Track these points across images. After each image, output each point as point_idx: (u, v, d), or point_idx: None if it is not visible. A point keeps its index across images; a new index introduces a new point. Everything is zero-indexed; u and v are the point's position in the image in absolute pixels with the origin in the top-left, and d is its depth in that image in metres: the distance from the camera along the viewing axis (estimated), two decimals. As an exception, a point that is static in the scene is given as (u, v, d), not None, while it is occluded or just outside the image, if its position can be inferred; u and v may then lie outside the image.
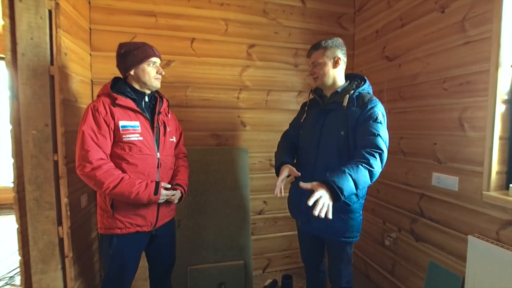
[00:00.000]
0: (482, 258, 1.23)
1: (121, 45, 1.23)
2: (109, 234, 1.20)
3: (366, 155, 1.10)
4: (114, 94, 1.17)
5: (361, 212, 1.30)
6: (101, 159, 1.12)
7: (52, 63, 1.26)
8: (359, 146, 1.17)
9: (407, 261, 1.73)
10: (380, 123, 1.17)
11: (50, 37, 1.25)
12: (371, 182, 1.10)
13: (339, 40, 1.31)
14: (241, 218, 1.88)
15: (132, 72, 1.20)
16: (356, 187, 1.05)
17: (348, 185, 1.02)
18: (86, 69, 1.63)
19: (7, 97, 1.22)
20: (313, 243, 1.47)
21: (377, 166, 1.10)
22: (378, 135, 1.14)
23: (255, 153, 2.06)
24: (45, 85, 1.24)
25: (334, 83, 1.31)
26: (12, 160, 1.23)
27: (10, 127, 1.22)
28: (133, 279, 1.31)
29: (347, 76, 1.37)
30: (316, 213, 0.95)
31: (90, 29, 1.67)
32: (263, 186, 2.10)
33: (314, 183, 1.04)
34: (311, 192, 1.22)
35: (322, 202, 0.96)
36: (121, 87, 1.21)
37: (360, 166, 1.07)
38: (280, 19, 2.03)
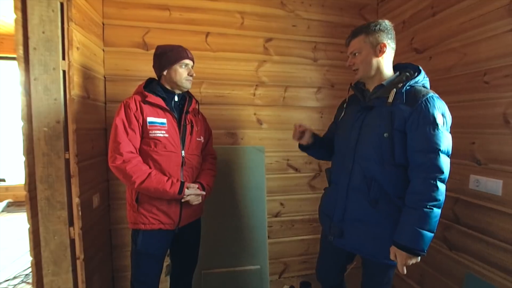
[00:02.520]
0: (533, 273, 1.08)
1: (158, 47, 1.29)
2: (136, 229, 1.24)
3: (427, 188, 0.94)
4: (146, 92, 1.23)
5: None
6: (131, 152, 1.17)
7: (64, 57, 1.22)
8: (414, 163, 0.99)
9: (439, 272, 1.58)
10: (439, 128, 0.95)
11: (62, 30, 1.21)
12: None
13: (386, 23, 1.08)
14: (256, 221, 1.80)
15: (165, 73, 1.26)
16: (432, 231, 0.96)
17: (425, 239, 0.95)
18: (99, 65, 1.59)
19: (18, 93, 1.18)
20: (337, 260, 1.28)
21: (442, 195, 0.95)
22: (439, 150, 0.94)
23: (271, 152, 1.96)
24: (56, 81, 1.21)
25: (378, 74, 1.10)
26: (23, 158, 1.19)
27: (22, 124, 1.19)
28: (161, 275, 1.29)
29: (396, 67, 1.16)
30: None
31: (103, 23, 1.63)
32: (280, 187, 2.00)
33: (398, 255, 0.98)
34: (345, 202, 1.13)
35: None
36: (153, 86, 1.28)
37: (424, 209, 0.94)
38: (298, 11, 1.92)
